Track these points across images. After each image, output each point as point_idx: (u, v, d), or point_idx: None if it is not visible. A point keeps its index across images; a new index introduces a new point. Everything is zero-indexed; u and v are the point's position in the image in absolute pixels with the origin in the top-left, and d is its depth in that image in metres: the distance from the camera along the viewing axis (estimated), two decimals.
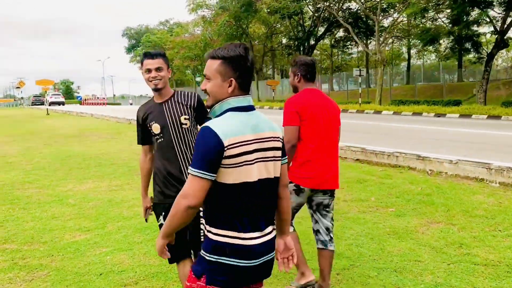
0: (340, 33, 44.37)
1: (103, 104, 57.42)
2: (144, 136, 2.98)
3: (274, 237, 2.00)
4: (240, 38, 41.81)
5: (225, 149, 1.76)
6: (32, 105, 61.75)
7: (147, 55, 2.89)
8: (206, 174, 1.75)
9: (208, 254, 1.85)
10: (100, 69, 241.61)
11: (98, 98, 65.79)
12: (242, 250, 1.83)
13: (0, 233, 4.94)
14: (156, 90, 2.89)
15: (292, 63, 3.33)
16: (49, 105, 44.15)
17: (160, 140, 2.88)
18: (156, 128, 2.87)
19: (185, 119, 2.89)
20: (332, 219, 3.31)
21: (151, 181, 3.05)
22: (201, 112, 2.98)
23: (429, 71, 44.61)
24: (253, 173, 1.83)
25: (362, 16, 39.02)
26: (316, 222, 3.29)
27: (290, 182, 3.10)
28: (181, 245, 2.71)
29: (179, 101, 2.93)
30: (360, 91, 30.94)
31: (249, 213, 1.86)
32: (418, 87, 35.60)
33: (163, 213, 2.87)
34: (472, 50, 28.85)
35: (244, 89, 1.89)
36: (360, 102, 29.77)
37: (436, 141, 11.07)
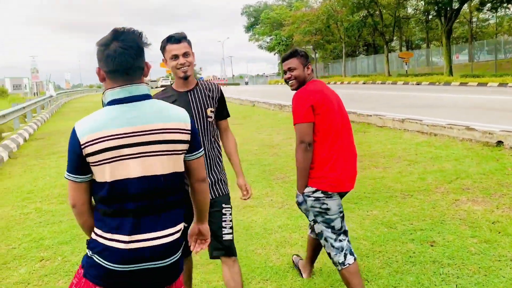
0: None
1: (224, 84, 58.07)
2: None
3: (172, 242, 1.80)
4: (368, 7, 38.10)
5: (83, 147, 1.70)
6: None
7: (171, 39, 2.62)
8: (71, 176, 1.75)
9: (87, 249, 1.82)
10: (220, 50, 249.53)
11: (218, 79, 67.39)
12: (112, 252, 1.73)
13: None
14: (185, 78, 2.67)
15: (295, 54, 2.97)
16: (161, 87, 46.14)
17: None
18: None
19: (211, 111, 2.74)
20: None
21: None
22: (222, 107, 2.84)
23: None
24: (128, 170, 1.72)
25: None
26: None
27: (316, 190, 2.79)
28: None
29: (204, 91, 2.76)
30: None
31: (127, 214, 1.74)
32: None
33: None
34: None
35: (119, 79, 1.76)
36: None
37: None
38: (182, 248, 1.89)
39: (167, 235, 1.79)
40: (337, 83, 39.53)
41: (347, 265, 2.78)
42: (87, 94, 60.78)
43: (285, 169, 7.29)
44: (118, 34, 1.75)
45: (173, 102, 2.53)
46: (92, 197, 1.81)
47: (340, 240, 2.83)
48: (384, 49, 39.19)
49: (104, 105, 1.80)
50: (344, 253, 2.80)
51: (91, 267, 1.78)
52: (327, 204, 2.79)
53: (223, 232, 2.69)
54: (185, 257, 2.50)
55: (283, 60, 2.99)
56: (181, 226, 1.88)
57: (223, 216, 2.72)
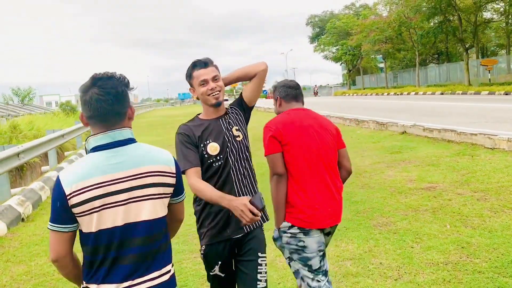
0: None
1: None
2: (197, 157, 2.45)
3: (163, 283, 1.79)
4: (445, 12, 35.23)
5: (68, 197, 1.66)
6: None
7: (197, 65, 2.51)
8: (55, 226, 1.70)
9: None
10: (283, 62, 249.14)
11: None
12: None
13: None
14: (217, 105, 2.52)
15: (272, 89, 3.09)
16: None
17: (217, 164, 2.46)
18: (213, 148, 2.46)
19: (236, 130, 2.56)
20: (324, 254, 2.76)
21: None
22: (241, 105, 2.71)
23: None
24: (114, 218, 1.69)
25: None
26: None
27: (292, 226, 2.64)
28: None
29: (235, 115, 2.62)
30: None
31: (113, 263, 1.71)
32: None
33: (220, 262, 2.51)
34: None
35: (98, 125, 1.75)
36: None
37: None
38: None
39: (157, 276, 1.78)
40: (411, 93, 36.87)
41: None
42: (154, 108, 61.92)
43: (386, 209, 5.67)
44: (96, 80, 1.73)
45: (205, 130, 2.48)
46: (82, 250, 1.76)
47: (318, 281, 2.68)
48: (464, 57, 35.90)
49: (87, 151, 1.79)
50: None
51: None
52: (303, 242, 2.66)
53: (258, 286, 2.49)
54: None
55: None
56: (169, 267, 1.85)
57: (259, 267, 2.52)
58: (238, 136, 2.54)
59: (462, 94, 29.99)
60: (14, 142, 12.74)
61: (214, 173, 2.48)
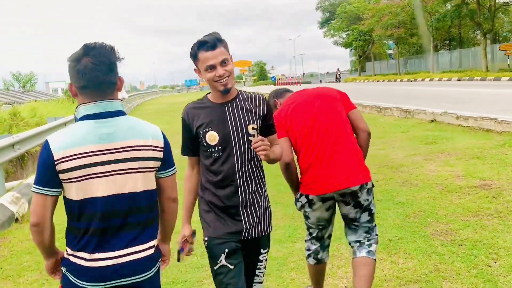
0: None
1: (298, 83, 55.40)
2: (193, 145, 2.32)
3: (144, 258, 1.82)
4: None
5: (57, 162, 1.70)
6: None
7: (204, 45, 2.17)
8: (41, 189, 1.73)
9: (62, 266, 1.84)
10: (290, 49, 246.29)
11: (286, 77, 65.03)
12: (79, 269, 1.76)
13: None
14: (226, 92, 2.22)
15: (270, 102, 2.87)
16: None
17: (216, 154, 2.24)
18: (212, 137, 2.23)
19: (253, 128, 2.27)
20: (366, 233, 2.86)
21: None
22: (269, 124, 2.37)
23: None
24: (99, 188, 1.74)
25: None
26: (346, 234, 2.96)
27: (301, 195, 2.85)
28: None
29: (246, 104, 2.30)
30: None
31: (96, 232, 1.76)
32: None
33: (226, 250, 2.26)
34: None
35: (91, 95, 1.76)
36: None
37: None
38: (156, 267, 1.89)
39: (139, 251, 1.80)
40: (425, 80, 35.65)
41: (308, 262, 3.04)
42: (160, 95, 61.04)
43: (440, 212, 4.78)
44: (89, 49, 1.74)
45: (206, 116, 2.26)
46: (67, 216, 1.80)
47: (311, 243, 3.01)
48: (482, 42, 34.57)
49: (76, 120, 1.79)
50: (308, 253, 3.02)
51: (66, 285, 1.81)
52: (307, 213, 2.90)
53: (255, 281, 2.42)
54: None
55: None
56: (154, 242, 1.88)
57: (259, 263, 2.41)
58: (253, 135, 2.26)
59: (480, 80, 28.80)
60: (14, 131, 11.92)
61: (214, 162, 2.26)
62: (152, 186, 1.85)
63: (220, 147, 2.23)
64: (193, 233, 2.43)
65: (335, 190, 2.74)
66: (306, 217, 2.94)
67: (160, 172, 1.88)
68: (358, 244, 2.86)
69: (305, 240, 3.07)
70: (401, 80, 39.86)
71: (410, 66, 50.84)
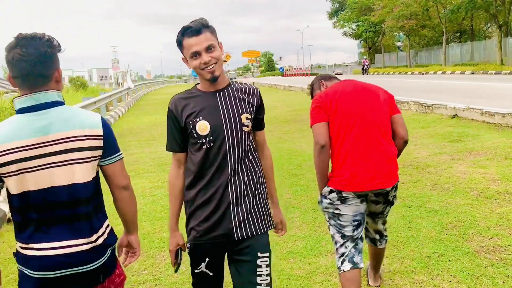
0: None
1: (306, 75, 54.57)
2: (181, 139, 2.17)
3: (89, 250, 1.80)
4: None
5: None
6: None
7: (188, 31, 2.06)
8: None
9: (16, 262, 1.85)
10: (298, 40, 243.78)
11: (295, 69, 64.04)
12: (30, 260, 1.77)
13: None
14: (213, 80, 2.10)
15: (310, 87, 3.19)
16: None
17: (207, 146, 2.09)
18: (203, 127, 2.09)
19: (246, 118, 2.15)
20: (384, 222, 3.02)
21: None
22: (259, 118, 2.26)
23: None
24: (31, 182, 1.73)
25: None
26: (366, 223, 2.95)
27: (332, 190, 2.72)
28: None
29: (239, 93, 2.18)
30: None
31: (36, 223, 1.77)
32: None
33: (207, 259, 2.16)
34: None
35: (22, 86, 1.76)
36: None
37: None
38: (107, 253, 1.87)
39: (83, 243, 1.79)
40: (437, 72, 34.82)
41: (342, 271, 2.71)
42: (167, 85, 60.58)
43: (481, 224, 4.21)
44: (19, 40, 1.73)
45: (196, 105, 2.12)
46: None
47: (346, 247, 2.76)
48: (497, 34, 33.64)
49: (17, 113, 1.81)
50: (343, 259, 2.73)
51: (21, 279, 1.82)
52: (339, 210, 2.73)
53: None
54: None
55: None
56: (98, 235, 1.84)
57: (258, 270, 2.14)
58: (247, 126, 2.15)
59: (495, 74, 27.99)
60: None
61: (205, 154, 2.10)
62: (91, 176, 1.82)
63: (211, 137, 2.10)
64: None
65: (373, 189, 2.71)
66: (337, 217, 2.75)
67: (103, 160, 1.86)
68: (378, 235, 3.04)
69: (336, 250, 2.79)
70: (412, 73, 39.04)
71: (420, 59, 49.87)
